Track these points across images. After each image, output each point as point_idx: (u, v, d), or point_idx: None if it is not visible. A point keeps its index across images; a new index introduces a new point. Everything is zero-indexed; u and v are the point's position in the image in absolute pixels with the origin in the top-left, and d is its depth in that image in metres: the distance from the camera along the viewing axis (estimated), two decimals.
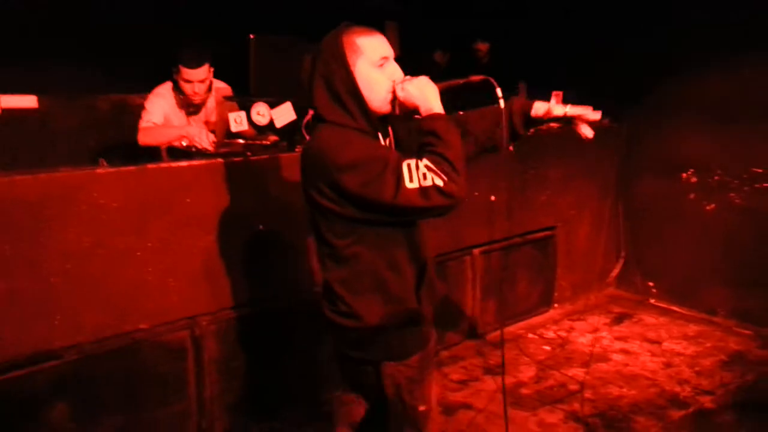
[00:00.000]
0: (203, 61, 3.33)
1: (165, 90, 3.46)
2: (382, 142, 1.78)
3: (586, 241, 4.60)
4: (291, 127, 3.22)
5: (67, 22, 4.05)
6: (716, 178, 4.30)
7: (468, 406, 3.20)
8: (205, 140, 3.20)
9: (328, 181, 1.63)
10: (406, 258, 1.77)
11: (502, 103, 1.77)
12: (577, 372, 3.51)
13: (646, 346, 3.86)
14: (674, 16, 4.30)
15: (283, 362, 3.06)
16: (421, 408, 1.84)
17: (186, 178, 2.70)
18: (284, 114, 3.21)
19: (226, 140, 3.33)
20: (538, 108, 1.89)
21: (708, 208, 4.34)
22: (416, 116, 1.72)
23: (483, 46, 5.61)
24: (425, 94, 1.68)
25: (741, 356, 3.69)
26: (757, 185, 4.08)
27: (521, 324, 4.17)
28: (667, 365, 3.61)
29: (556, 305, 4.45)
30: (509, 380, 3.38)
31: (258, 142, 3.40)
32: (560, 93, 4.39)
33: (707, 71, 4.20)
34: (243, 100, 3.29)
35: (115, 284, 2.52)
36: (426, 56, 5.83)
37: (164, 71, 3.43)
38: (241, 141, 3.31)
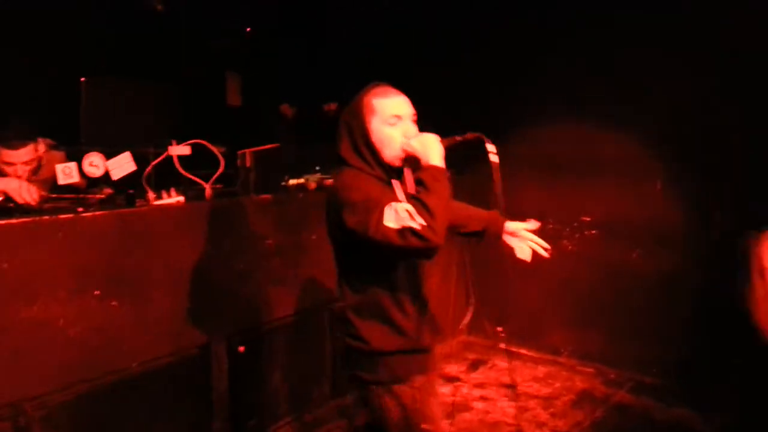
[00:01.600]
0: (27, 140, 2.95)
1: None
2: (398, 189, 1.99)
3: (437, 290, 4.65)
4: (130, 178, 2.93)
5: None
6: (550, 226, 4.60)
7: None
8: (27, 194, 2.77)
9: (340, 218, 1.87)
10: (409, 295, 2.00)
11: (492, 157, 2.03)
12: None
13: (502, 391, 3.94)
14: (504, 77, 4.62)
15: None
16: (425, 426, 2.01)
17: (3, 240, 2.29)
18: (122, 165, 2.90)
19: (53, 195, 2.92)
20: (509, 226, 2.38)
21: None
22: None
23: (331, 107, 5.63)
24: (426, 149, 1.90)
25: (588, 394, 3.89)
26: (586, 232, 4.42)
27: None
28: (524, 409, 3.69)
29: None
30: None
31: (90, 196, 3.03)
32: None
33: (539, 129, 4.52)
34: (73, 150, 2.92)
35: None
36: (273, 108, 5.73)
37: None
38: (69, 195, 2.93)
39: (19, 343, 2.30)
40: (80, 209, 2.65)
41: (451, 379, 4.09)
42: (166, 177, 3.12)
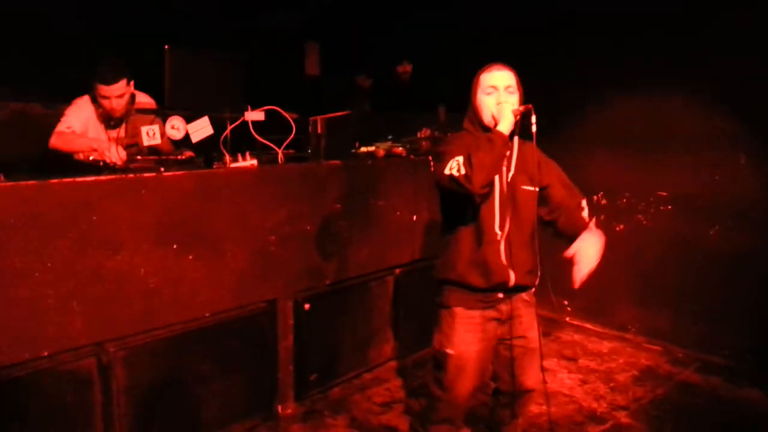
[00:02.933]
0: (119, 76, 3.19)
1: (84, 102, 3.32)
2: None
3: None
4: (209, 142, 3.11)
5: None
6: (624, 200, 4.50)
7: (393, 429, 3.15)
8: (115, 155, 3.01)
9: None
10: (469, 239, 2.35)
11: (534, 127, 2.27)
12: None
13: (563, 363, 3.94)
14: (580, 46, 4.50)
15: (198, 389, 2.89)
16: (449, 351, 2.39)
17: (93, 194, 2.52)
18: (201, 128, 3.08)
19: (138, 156, 3.15)
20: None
21: (617, 228, 4.52)
22: None
23: (406, 68, 5.66)
24: (500, 116, 2.26)
25: (651, 371, 3.83)
26: (662, 207, 4.29)
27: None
28: (584, 382, 3.69)
29: None
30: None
31: (172, 157, 3.25)
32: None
33: (615, 101, 4.41)
34: (158, 113, 3.13)
35: (12, 308, 2.29)
36: (349, 80, 5.83)
37: (69, 80, 3.24)
38: (154, 156, 3.15)
39: (105, 289, 2.54)
40: (162, 169, 2.86)
41: None
42: (241, 141, 3.29)
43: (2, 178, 2.45)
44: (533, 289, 2.52)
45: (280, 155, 3.35)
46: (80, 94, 3.36)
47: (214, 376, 2.95)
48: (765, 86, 3.69)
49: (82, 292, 2.47)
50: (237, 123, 3.20)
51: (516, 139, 2.40)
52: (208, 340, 2.91)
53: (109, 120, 3.33)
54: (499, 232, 2.34)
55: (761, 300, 3.76)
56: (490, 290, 2.36)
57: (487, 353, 2.44)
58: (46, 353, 2.41)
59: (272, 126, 3.38)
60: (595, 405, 3.41)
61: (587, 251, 2.37)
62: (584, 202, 2.48)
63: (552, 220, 2.50)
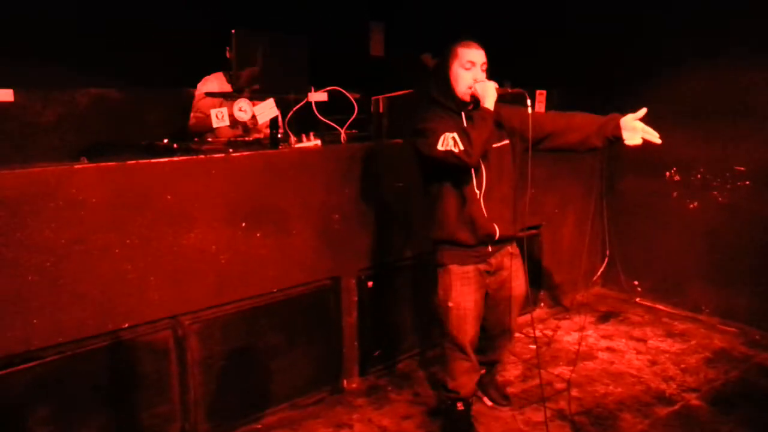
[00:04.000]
0: None
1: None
2: (463, 119, 2.59)
3: (571, 240, 4.60)
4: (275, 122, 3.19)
5: (45, 15, 3.99)
6: (698, 176, 4.32)
7: None
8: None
9: (413, 140, 2.58)
10: (456, 202, 2.61)
11: (530, 109, 2.54)
12: (564, 370, 3.50)
13: (631, 344, 3.86)
14: (650, 20, 4.33)
15: (267, 361, 3.01)
16: (450, 304, 2.70)
17: (166, 174, 2.64)
18: (266, 110, 3.17)
19: (209, 138, 3.28)
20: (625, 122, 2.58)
21: (691, 206, 4.36)
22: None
23: None
24: (485, 94, 2.51)
25: (725, 353, 3.71)
26: (739, 183, 4.11)
27: None
28: (653, 363, 3.61)
29: (542, 304, 4.45)
30: (498, 378, 3.35)
31: (240, 138, 3.36)
32: (544, 92, 4.40)
33: (687, 72, 4.25)
34: (228, 96, 3.24)
35: (95, 282, 2.46)
36: (416, 57, 5.81)
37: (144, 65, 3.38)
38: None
39: (179, 265, 2.68)
40: (231, 150, 2.96)
41: (578, 329, 4.06)
42: (306, 122, 3.36)
43: (85, 160, 2.61)
44: (514, 242, 2.80)
45: (343, 135, 3.40)
46: (156, 77, 3.51)
47: (282, 349, 3.06)
48: None
49: (158, 267, 2.61)
50: (301, 104, 3.27)
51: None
52: (277, 314, 3.02)
53: None
54: (478, 191, 2.60)
55: None
56: (478, 245, 2.65)
57: (482, 302, 2.75)
58: (126, 325, 2.57)
59: (336, 106, 3.44)
60: (664, 386, 3.33)
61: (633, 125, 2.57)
62: (529, 102, 2.55)
63: (572, 142, 2.64)
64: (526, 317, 4.24)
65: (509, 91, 2.62)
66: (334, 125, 3.39)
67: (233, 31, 3.09)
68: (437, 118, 2.56)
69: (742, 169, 4.07)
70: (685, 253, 4.38)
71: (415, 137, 2.56)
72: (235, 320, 2.89)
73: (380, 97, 3.63)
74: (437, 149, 2.43)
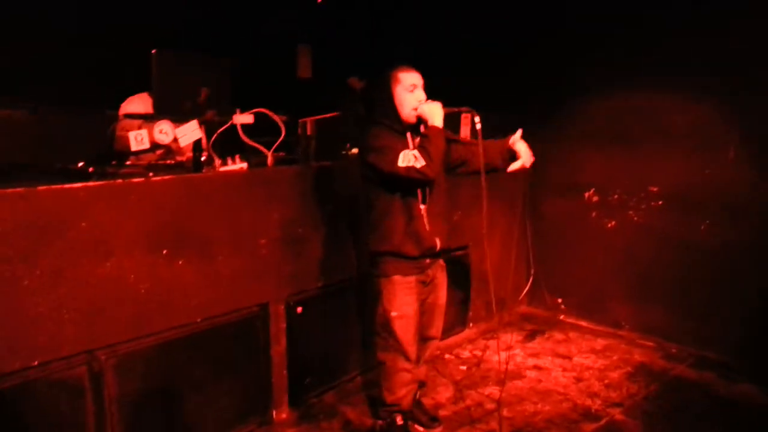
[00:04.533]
0: None
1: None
2: (409, 140, 2.79)
3: (498, 260, 4.68)
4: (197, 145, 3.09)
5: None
6: (615, 197, 4.51)
7: None
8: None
9: (364, 157, 2.75)
10: (401, 215, 2.76)
11: (478, 126, 2.68)
12: (493, 390, 3.53)
13: (557, 362, 3.95)
14: (567, 45, 4.52)
15: (191, 396, 2.87)
16: (393, 313, 2.81)
17: (81, 201, 2.49)
18: (189, 132, 3.07)
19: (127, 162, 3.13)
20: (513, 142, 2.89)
21: (609, 225, 4.54)
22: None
23: None
24: (432, 114, 2.69)
25: (645, 367, 3.84)
26: (653, 203, 4.30)
27: (439, 344, 4.14)
28: (578, 379, 3.69)
29: (471, 324, 4.49)
30: (428, 401, 3.34)
31: (161, 161, 3.23)
32: (468, 114, 4.48)
33: (604, 97, 4.44)
34: (147, 118, 3.12)
35: (2, 317, 2.27)
36: (342, 80, 5.81)
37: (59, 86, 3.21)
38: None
39: (95, 296, 2.52)
40: (151, 174, 2.84)
41: (506, 349, 4.11)
42: (231, 144, 3.27)
43: None
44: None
45: (270, 158, 3.33)
46: (65, 98, 3.34)
47: (207, 382, 2.93)
48: (753, 81, 3.71)
49: (72, 299, 2.45)
50: (226, 126, 3.18)
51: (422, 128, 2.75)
52: (201, 345, 2.89)
53: None
54: (422, 207, 2.78)
55: (754, 294, 3.77)
56: (421, 257, 2.81)
57: (420, 310, 2.90)
58: (36, 362, 2.38)
59: (262, 129, 3.37)
60: (589, 402, 3.41)
61: (522, 147, 2.86)
62: (477, 118, 2.70)
63: (472, 168, 2.88)
64: (456, 337, 4.30)
65: (455, 110, 2.79)
66: (261, 148, 3.31)
67: (153, 51, 2.98)
68: (388, 135, 2.73)
69: (656, 189, 4.27)
70: (605, 271, 4.54)
71: (371, 153, 2.70)
72: (156, 353, 2.74)
73: (307, 119, 3.59)
74: (398, 165, 2.59)
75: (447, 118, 2.73)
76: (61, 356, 2.45)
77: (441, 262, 2.99)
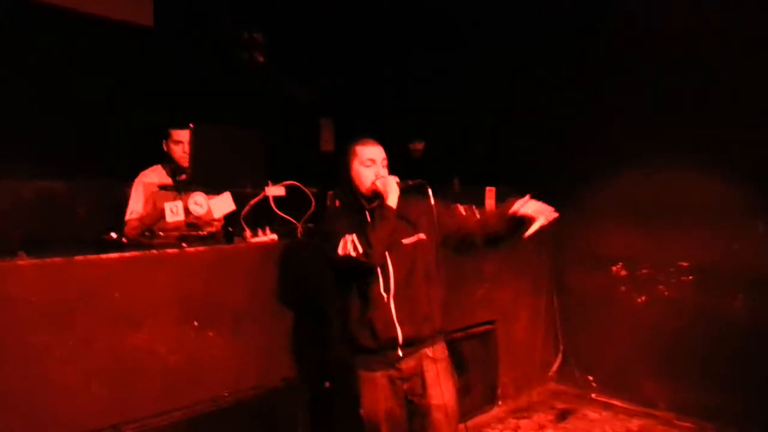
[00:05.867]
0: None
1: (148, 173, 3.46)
2: (368, 217, 2.49)
3: (525, 335, 4.58)
4: (231, 218, 3.12)
5: None
6: (644, 271, 4.44)
7: None
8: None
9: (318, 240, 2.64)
10: (357, 306, 2.48)
11: (432, 200, 2.49)
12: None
13: None
14: (601, 122, 4.58)
15: None
16: (361, 411, 2.51)
17: (115, 271, 2.50)
18: (223, 204, 3.11)
19: (161, 232, 3.15)
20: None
21: (639, 300, 4.45)
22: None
23: (418, 146, 5.75)
24: (386, 190, 2.45)
25: None
26: (683, 278, 4.23)
27: (467, 424, 3.98)
28: None
29: (500, 402, 4.34)
30: None
31: (193, 233, 3.25)
32: (493, 189, 4.50)
33: (627, 170, 4.46)
34: (180, 189, 3.16)
35: (30, 388, 2.23)
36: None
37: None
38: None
39: (124, 368, 2.48)
40: (184, 245, 2.85)
41: (538, 429, 3.97)
42: (262, 216, 3.29)
43: (24, 255, 2.44)
44: (439, 344, 2.56)
45: (300, 228, 3.34)
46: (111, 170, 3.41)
47: None
48: None
49: (101, 370, 2.41)
50: (259, 198, 3.22)
51: None
52: (227, 420, 2.81)
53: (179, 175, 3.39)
54: (385, 294, 2.45)
55: None
56: (384, 349, 2.46)
57: (397, 411, 2.50)
58: None
59: (292, 201, 3.40)
60: None
61: (533, 207, 2.41)
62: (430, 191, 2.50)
63: (479, 237, 2.55)
64: (485, 416, 4.15)
65: (413, 183, 2.51)
66: (291, 219, 3.33)
67: (191, 125, 3.06)
68: (340, 219, 2.51)
69: (685, 264, 4.21)
70: (636, 347, 4.43)
71: (319, 238, 2.57)
72: (183, 427, 2.66)
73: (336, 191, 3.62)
74: (338, 254, 2.38)
75: (471, 193, 2.60)
76: (86, 430, 2.39)
77: (429, 351, 2.51)
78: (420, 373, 2.49)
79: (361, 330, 2.47)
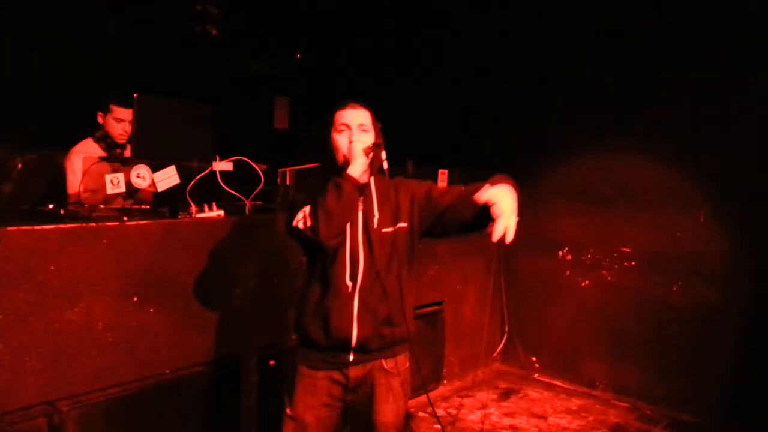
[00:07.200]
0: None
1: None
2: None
3: (472, 316, 4.64)
4: (175, 192, 3.05)
5: None
6: (589, 256, 4.55)
7: None
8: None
9: None
10: (316, 291, 2.13)
11: (386, 164, 2.15)
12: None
13: (533, 422, 3.87)
14: (550, 110, 4.64)
15: None
16: (288, 411, 2.17)
17: (51, 244, 2.41)
18: (167, 178, 3.03)
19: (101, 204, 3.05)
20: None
21: (583, 284, 4.56)
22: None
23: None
24: (352, 157, 2.07)
25: (621, 429, 3.80)
26: (625, 263, 4.35)
27: (412, 402, 4.04)
28: None
29: (445, 381, 4.40)
30: None
31: (135, 206, 3.16)
32: (446, 171, 4.53)
33: (574, 157, 4.54)
34: (125, 162, 3.07)
35: None
36: (318, 132, 5.84)
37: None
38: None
39: (60, 343, 2.40)
40: (125, 218, 2.77)
41: (481, 408, 4.04)
42: (208, 191, 3.23)
43: None
44: (401, 356, 2.19)
45: (248, 206, 3.30)
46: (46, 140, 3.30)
47: None
48: (721, 145, 3.84)
49: (36, 346, 2.34)
50: (205, 173, 3.15)
51: (372, 179, 2.17)
52: (168, 398, 2.77)
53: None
54: (350, 284, 2.08)
55: (727, 354, 3.79)
56: (333, 348, 2.09)
57: (332, 422, 2.15)
58: None
59: (240, 177, 3.34)
60: None
61: (501, 203, 1.85)
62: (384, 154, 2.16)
63: (461, 223, 2.09)
64: (431, 395, 4.20)
65: (372, 144, 2.12)
66: (239, 196, 3.27)
67: (135, 95, 2.97)
68: (312, 190, 2.10)
69: (629, 250, 4.33)
70: (579, 330, 4.54)
71: (288, 212, 2.15)
72: (121, 405, 2.61)
73: (287, 169, 3.57)
74: (290, 224, 2.07)
75: (423, 176, 2.23)
76: (19, 407, 2.32)
77: (385, 363, 2.15)
78: (370, 385, 2.15)
79: (314, 320, 2.10)
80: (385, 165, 2.14)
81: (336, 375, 2.12)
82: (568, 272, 4.64)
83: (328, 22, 5.94)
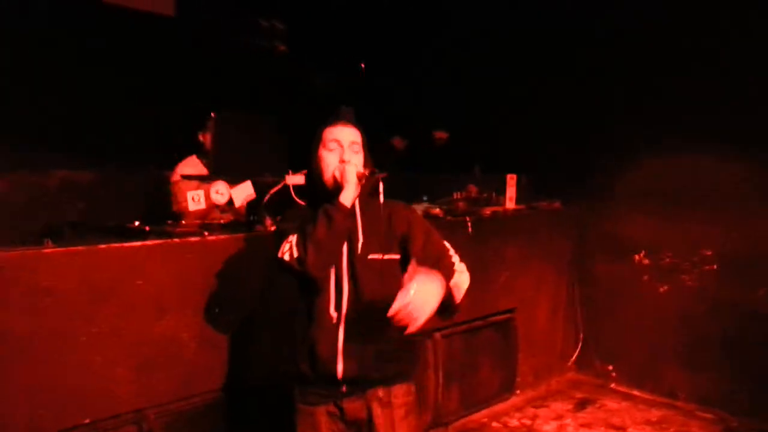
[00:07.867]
0: None
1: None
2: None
3: (545, 323, 4.57)
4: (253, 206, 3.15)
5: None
6: (667, 260, 4.40)
7: None
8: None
9: None
10: (303, 323, 2.02)
11: (381, 198, 2.01)
12: None
13: None
14: (622, 109, 4.52)
15: None
16: None
17: (138, 259, 2.54)
18: (243, 192, 3.13)
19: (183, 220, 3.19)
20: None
21: (661, 289, 4.41)
22: None
23: (442, 135, 5.75)
24: (343, 180, 1.95)
25: None
26: (706, 267, 4.18)
27: (484, 412, 4.02)
28: None
29: (518, 391, 4.34)
30: None
31: (215, 221, 3.28)
32: (514, 176, 4.48)
33: (650, 156, 4.39)
34: (204, 179, 3.19)
35: (56, 374, 2.29)
36: (385, 141, 5.91)
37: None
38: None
39: (148, 354, 2.53)
40: (206, 233, 2.88)
41: (556, 418, 3.97)
42: (283, 205, 3.32)
43: (50, 243, 2.48)
44: (399, 385, 2.04)
45: None
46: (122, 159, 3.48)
47: None
48: None
49: (127, 357, 2.46)
50: (279, 187, 3.23)
51: (357, 201, 1.98)
52: (249, 407, 2.85)
53: None
54: (335, 314, 1.96)
55: None
56: (322, 382, 1.98)
57: None
58: (87, 420, 2.38)
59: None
60: None
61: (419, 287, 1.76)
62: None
63: None
64: (504, 405, 4.16)
65: (370, 172, 2.00)
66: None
67: (212, 114, 3.09)
68: (298, 217, 2.02)
69: (709, 252, 4.16)
70: (658, 337, 4.39)
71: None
72: (206, 412, 2.71)
73: None
74: (277, 256, 1.94)
75: (492, 181, 2.07)
76: (111, 415, 2.45)
77: (381, 393, 1.99)
78: (367, 419, 2.00)
79: (303, 355, 2.00)
80: (381, 189, 2.00)
81: (332, 408, 2.00)
82: (645, 277, 4.50)
83: (391, 33, 6.00)
